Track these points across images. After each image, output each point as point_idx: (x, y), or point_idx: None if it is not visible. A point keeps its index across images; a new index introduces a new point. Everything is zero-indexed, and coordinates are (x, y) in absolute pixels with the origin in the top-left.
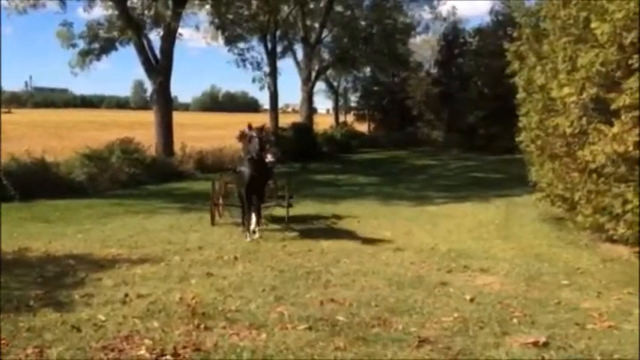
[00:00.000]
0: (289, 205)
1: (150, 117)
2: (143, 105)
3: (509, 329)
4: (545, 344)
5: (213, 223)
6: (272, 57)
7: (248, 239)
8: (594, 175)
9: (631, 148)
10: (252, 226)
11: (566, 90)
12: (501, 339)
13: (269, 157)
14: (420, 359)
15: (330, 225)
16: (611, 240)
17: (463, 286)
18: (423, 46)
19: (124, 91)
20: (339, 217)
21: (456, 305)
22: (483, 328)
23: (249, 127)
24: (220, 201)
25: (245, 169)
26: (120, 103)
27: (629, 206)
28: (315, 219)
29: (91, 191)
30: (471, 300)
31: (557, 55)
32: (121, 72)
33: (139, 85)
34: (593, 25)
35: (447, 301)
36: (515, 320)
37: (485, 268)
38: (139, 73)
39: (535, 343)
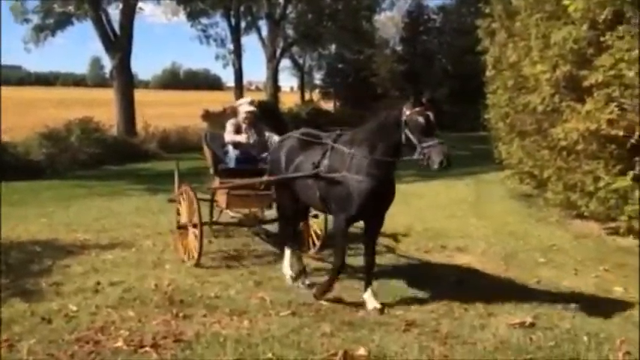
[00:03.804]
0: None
1: (109, 95)
2: (100, 82)
3: (494, 310)
4: (532, 325)
5: (192, 258)
6: (236, 33)
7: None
8: (564, 153)
9: (604, 126)
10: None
11: (539, 67)
12: (487, 320)
13: (435, 162)
14: (410, 343)
15: None
16: (581, 216)
17: (443, 266)
18: (388, 23)
19: (80, 68)
20: None
21: (438, 286)
22: (468, 310)
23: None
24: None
25: (354, 176)
26: (76, 81)
27: (601, 183)
28: None
29: (50, 172)
30: (453, 281)
31: (530, 32)
32: (76, 48)
33: (95, 62)
34: (565, 1)
35: (428, 281)
36: (498, 301)
37: (462, 247)
38: (95, 49)
39: (521, 324)
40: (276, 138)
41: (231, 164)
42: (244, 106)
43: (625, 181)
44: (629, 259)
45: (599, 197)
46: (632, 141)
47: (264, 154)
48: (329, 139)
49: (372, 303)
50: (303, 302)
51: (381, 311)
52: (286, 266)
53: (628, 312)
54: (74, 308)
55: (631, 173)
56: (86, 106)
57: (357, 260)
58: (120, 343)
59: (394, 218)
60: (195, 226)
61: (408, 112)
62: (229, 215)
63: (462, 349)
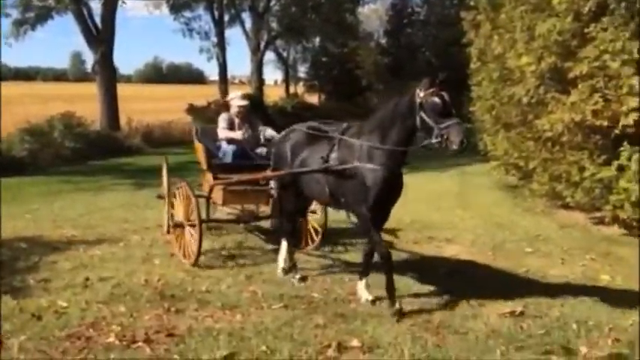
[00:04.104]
0: None
1: (90, 89)
2: (82, 77)
3: (484, 300)
4: (522, 313)
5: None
6: (219, 26)
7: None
8: (549, 144)
9: (588, 117)
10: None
11: (524, 59)
12: (478, 310)
13: (454, 142)
14: (403, 333)
15: None
16: (566, 207)
17: (433, 258)
18: (372, 15)
19: (60, 62)
20: None
21: (428, 277)
22: (459, 300)
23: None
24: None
25: (367, 165)
26: (56, 75)
27: (586, 173)
28: None
29: (33, 168)
30: (443, 272)
31: (515, 25)
32: (56, 43)
33: (76, 57)
34: None
35: (418, 273)
36: (488, 290)
37: (450, 238)
38: (76, 43)
39: (512, 313)
40: (269, 131)
41: (228, 159)
42: (236, 101)
43: (609, 171)
44: (614, 248)
45: (584, 187)
46: (617, 131)
47: (258, 150)
48: (336, 132)
49: (364, 295)
50: (295, 295)
51: (373, 303)
52: (280, 260)
53: (615, 299)
54: (64, 304)
55: (615, 163)
56: (68, 102)
57: (348, 255)
58: (112, 339)
59: None
60: (192, 224)
61: (422, 94)
62: (225, 212)
63: (455, 338)
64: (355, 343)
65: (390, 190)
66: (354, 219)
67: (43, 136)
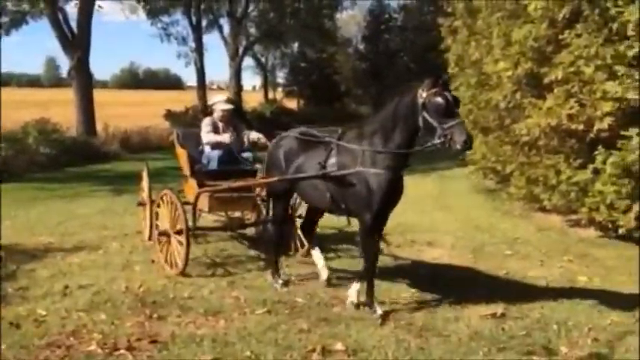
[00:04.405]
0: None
1: (65, 95)
2: (56, 83)
3: (466, 302)
4: (503, 315)
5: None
6: (197, 32)
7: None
8: (526, 148)
9: (564, 121)
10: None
11: (501, 65)
12: (460, 312)
13: (458, 142)
14: (386, 336)
15: None
16: (543, 209)
17: (415, 261)
18: (350, 21)
19: (33, 68)
20: None
21: (410, 281)
22: (441, 303)
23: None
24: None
25: (374, 170)
26: (30, 81)
27: (562, 177)
28: None
29: (6, 175)
30: (424, 275)
31: (492, 31)
32: (29, 48)
33: (51, 62)
34: (525, 0)
35: (401, 276)
36: (470, 293)
37: (431, 241)
38: (50, 48)
39: (493, 315)
40: (254, 134)
41: (213, 165)
42: (220, 105)
43: (585, 174)
44: (591, 250)
45: (560, 190)
46: (592, 135)
47: (245, 154)
48: (332, 137)
49: (352, 297)
50: (278, 300)
51: (357, 307)
52: (322, 272)
53: (593, 300)
54: (43, 313)
55: (591, 167)
56: (42, 107)
57: (333, 262)
58: (93, 347)
59: None
60: (178, 232)
61: (424, 95)
62: (209, 219)
63: (437, 340)
64: (339, 346)
65: (392, 193)
66: (355, 224)
67: (17, 142)
